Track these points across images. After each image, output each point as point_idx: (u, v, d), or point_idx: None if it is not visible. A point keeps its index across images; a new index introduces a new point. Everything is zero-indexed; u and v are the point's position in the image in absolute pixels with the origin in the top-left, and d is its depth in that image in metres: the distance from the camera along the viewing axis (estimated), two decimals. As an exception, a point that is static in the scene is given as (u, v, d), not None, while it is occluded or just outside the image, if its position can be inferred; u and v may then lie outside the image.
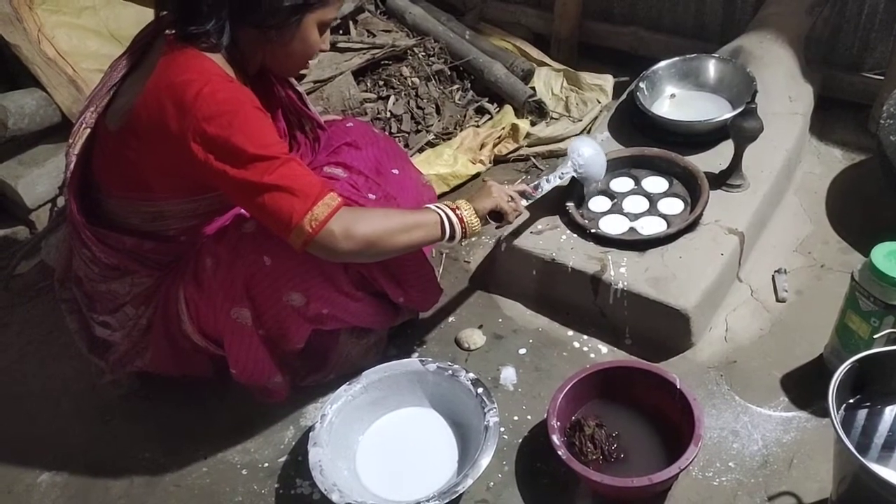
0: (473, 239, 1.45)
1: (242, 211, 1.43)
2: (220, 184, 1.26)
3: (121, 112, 1.33)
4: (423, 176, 1.85)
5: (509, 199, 1.52)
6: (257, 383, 1.57)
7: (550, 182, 1.67)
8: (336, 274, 1.43)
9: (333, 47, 2.42)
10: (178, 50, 1.26)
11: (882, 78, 2.09)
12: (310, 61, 1.45)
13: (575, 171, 1.69)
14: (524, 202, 1.61)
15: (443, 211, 1.40)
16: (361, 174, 1.58)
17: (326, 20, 1.34)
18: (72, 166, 1.36)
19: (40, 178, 2.10)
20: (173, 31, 1.28)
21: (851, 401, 1.30)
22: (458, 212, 1.42)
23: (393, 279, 1.53)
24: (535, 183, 1.66)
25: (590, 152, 1.71)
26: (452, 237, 1.41)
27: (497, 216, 1.52)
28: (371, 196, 1.53)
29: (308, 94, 2.25)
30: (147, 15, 1.40)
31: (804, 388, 1.54)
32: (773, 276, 1.77)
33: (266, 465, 1.55)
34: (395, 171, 1.68)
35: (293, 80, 1.61)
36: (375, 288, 1.53)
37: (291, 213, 1.22)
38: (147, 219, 1.41)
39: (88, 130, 1.37)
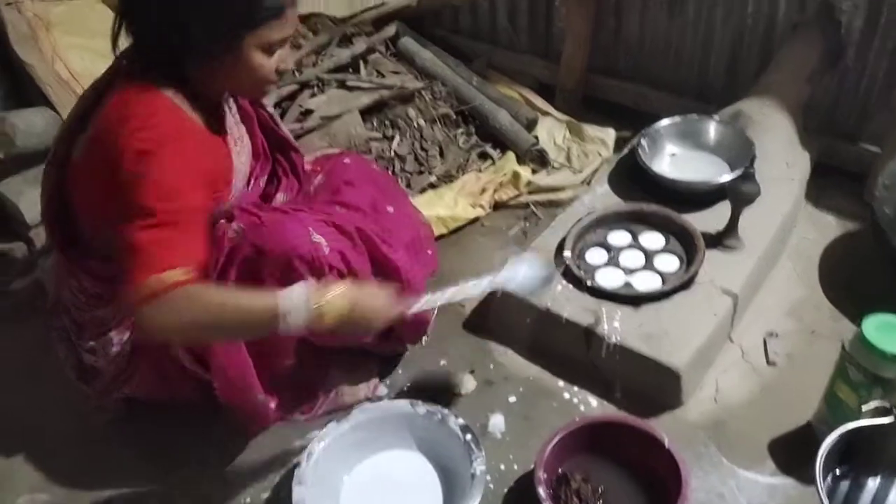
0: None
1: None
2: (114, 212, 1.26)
3: (82, 142, 1.37)
4: (420, 213, 1.87)
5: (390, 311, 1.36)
6: (242, 398, 1.51)
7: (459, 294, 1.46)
8: (324, 279, 1.41)
9: (343, 85, 2.46)
10: (129, 85, 1.29)
11: (878, 149, 2.13)
12: (270, 84, 1.39)
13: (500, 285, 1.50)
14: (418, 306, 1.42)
15: (292, 300, 1.25)
16: (354, 233, 1.52)
17: (269, 42, 1.29)
18: (44, 202, 1.40)
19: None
20: (129, 65, 1.32)
21: (838, 471, 1.31)
22: (319, 302, 1.25)
23: None
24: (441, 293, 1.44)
25: (523, 275, 1.52)
26: (289, 323, 1.25)
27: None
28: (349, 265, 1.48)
29: (314, 130, 2.29)
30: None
31: (791, 454, 1.54)
32: (764, 339, 1.79)
33: (248, 500, 1.53)
34: (390, 210, 1.69)
35: (263, 102, 1.62)
36: None
37: (129, 275, 1.21)
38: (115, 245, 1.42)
39: (51, 167, 1.42)
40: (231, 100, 1.51)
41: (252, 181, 1.60)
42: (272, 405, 1.55)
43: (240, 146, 1.50)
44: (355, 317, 1.28)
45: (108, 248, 1.41)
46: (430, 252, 1.81)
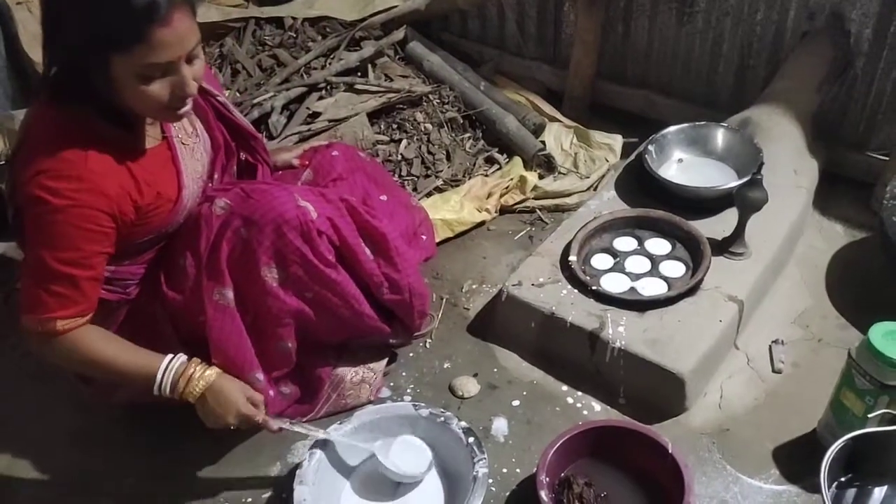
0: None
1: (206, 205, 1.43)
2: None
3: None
4: (412, 197, 1.86)
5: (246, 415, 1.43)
6: (239, 375, 1.50)
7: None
8: (314, 243, 1.43)
9: (351, 88, 2.47)
10: (46, 108, 1.26)
11: (887, 158, 2.12)
12: (171, 110, 1.26)
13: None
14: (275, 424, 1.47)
15: (171, 368, 1.38)
16: (339, 202, 1.53)
17: (139, 68, 1.16)
18: (12, 216, 1.38)
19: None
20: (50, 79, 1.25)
21: (843, 479, 1.30)
22: (187, 371, 1.39)
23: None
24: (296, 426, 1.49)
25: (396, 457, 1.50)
26: (161, 388, 1.39)
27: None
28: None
29: (322, 132, 2.29)
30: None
31: (796, 461, 1.53)
32: (770, 347, 1.78)
33: (249, 499, 1.53)
34: (383, 198, 1.70)
35: (212, 90, 1.55)
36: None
37: (21, 309, 1.29)
38: None
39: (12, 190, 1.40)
40: None
41: (218, 173, 1.58)
42: (271, 392, 1.55)
43: (192, 142, 1.46)
44: (212, 401, 1.40)
45: None
46: (424, 237, 1.80)
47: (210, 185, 1.54)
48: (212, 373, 1.41)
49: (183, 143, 1.44)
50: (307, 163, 1.73)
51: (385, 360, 1.75)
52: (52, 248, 1.24)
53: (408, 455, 1.51)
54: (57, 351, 1.32)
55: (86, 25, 1.15)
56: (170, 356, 1.39)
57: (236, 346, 1.46)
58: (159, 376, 1.37)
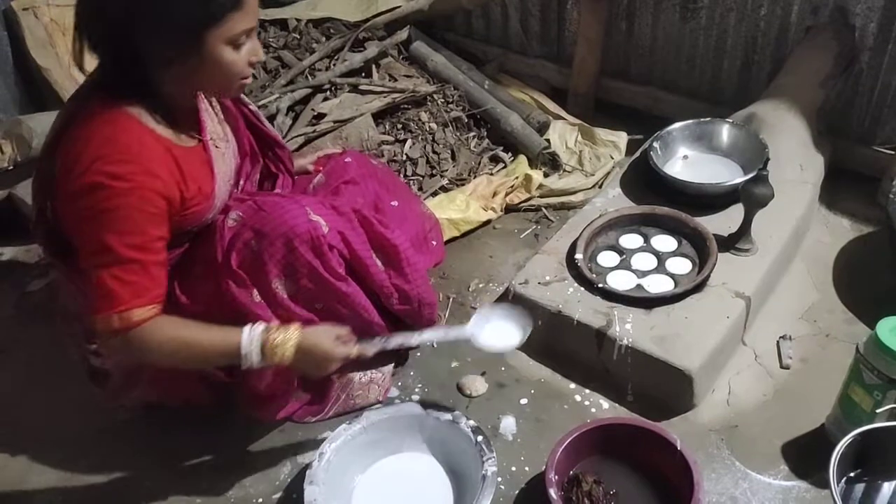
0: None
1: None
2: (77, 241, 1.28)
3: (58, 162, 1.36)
4: (423, 204, 1.87)
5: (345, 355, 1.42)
6: (259, 382, 1.52)
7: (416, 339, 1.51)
8: (325, 257, 1.44)
9: (355, 89, 2.47)
10: (93, 103, 1.27)
11: (893, 152, 2.12)
12: (244, 79, 1.33)
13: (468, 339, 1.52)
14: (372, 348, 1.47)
15: (251, 338, 1.33)
16: (351, 214, 1.54)
17: (234, 34, 1.24)
18: (35, 215, 1.40)
19: (58, 199, 2.13)
20: (95, 81, 1.29)
21: (852, 474, 1.30)
22: (272, 338, 1.34)
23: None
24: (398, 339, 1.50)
25: (493, 329, 1.54)
26: (250, 362, 1.34)
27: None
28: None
29: (327, 133, 2.30)
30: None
31: (805, 457, 1.53)
32: (777, 343, 1.78)
33: (260, 500, 1.54)
34: (395, 204, 1.70)
35: (245, 99, 1.60)
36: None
37: (93, 308, 1.26)
38: None
39: (37, 181, 1.43)
40: (214, 99, 1.49)
41: (242, 180, 1.60)
42: (289, 396, 1.56)
43: (223, 147, 1.48)
44: (306, 359, 1.37)
45: None
46: (434, 243, 1.81)
47: (236, 191, 1.56)
48: (293, 334, 1.35)
49: (216, 146, 1.46)
50: (320, 168, 1.75)
51: (393, 362, 1.76)
52: (118, 232, 1.23)
53: (501, 330, 1.53)
54: (138, 345, 1.27)
55: (193, 7, 1.19)
56: (247, 327, 1.34)
57: None
58: (244, 353, 1.32)
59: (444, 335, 1.57)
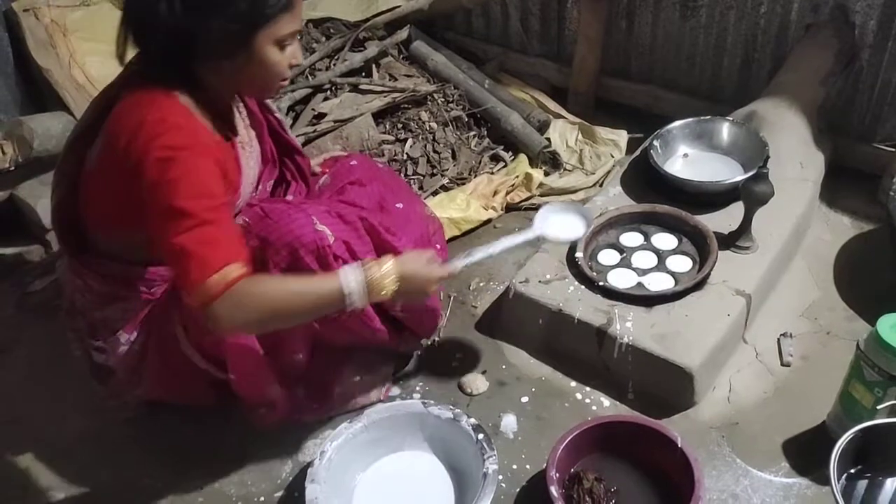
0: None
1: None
2: (146, 224, 1.27)
3: (95, 152, 1.38)
4: (427, 207, 1.88)
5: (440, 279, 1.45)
6: (257, 390, 1.54)
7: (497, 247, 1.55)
8: (330, 268, 1.43)
9: (355, 89, 2.47)
10: (138, 90, 1.29)
11: (894, 150, 2.12)
12: (283, 81, 1.37)
13: (537, 236, 1.61)
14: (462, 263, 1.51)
15: (349, 279, 1.32)
16: (358, 222, 1.54)
17: (282, 36, 1.29)
18: (54, 207, 1.42)
19: (60, 199, 2.14)
20: (139, 71, 1.32)
21: (853, 470, 1.30)
22: (371, 274, 1.33)
23: None
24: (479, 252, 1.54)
25: (558, 221, 1.63)
26: (353, 302, 1.33)
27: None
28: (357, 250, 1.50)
29: (327, 133, 2.30)
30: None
31: (806, 454, 1.53)
32: (778, 340, 1.78)
33: (262, 498, 1.54)
34: (399, 205, 1.71)
35: (272, 107, 1.63)
36: None
37: (187, 279, 1.22)
38: (130, 249, 1.44)
39: (61, 174, 1.45)
40: (241, 104, 1.52)
41: (259, 185, 1.62)
42: (286, 399, 1.57)
43: (249, 150, 1.51)
44: (408, 287, 1.37)
45: (120, 251, 1.45)
46: (438, 247, 1.82)
47: (255, 194, 1.57)
48: (391, 267, 1.35)
49: (243, 149, 1.47)
50: (326, 170, 1.76)
51: (394, 362, 1.76)
52: (193, 196, 1.21)
53: (565, 223, 1.63)
54: (245, 300, 1.22)
55: (249, 5, 1.23)
56: (343, 269, 1.33)
57: (255, 364, 1.49)
58: (347, 293, 1.30)
59: (517, 240, 1.58)
